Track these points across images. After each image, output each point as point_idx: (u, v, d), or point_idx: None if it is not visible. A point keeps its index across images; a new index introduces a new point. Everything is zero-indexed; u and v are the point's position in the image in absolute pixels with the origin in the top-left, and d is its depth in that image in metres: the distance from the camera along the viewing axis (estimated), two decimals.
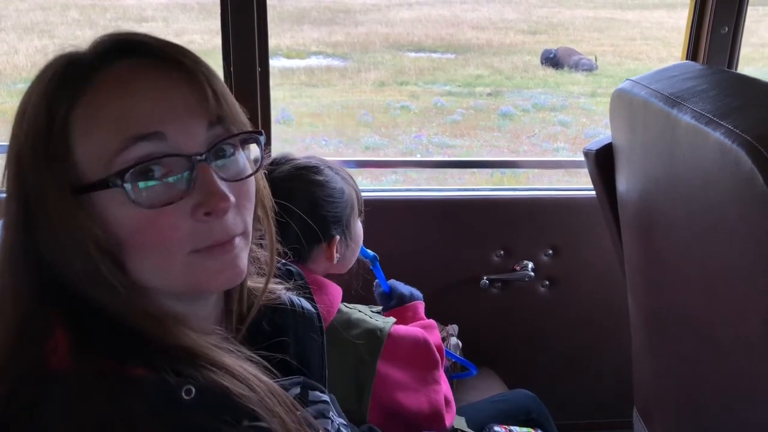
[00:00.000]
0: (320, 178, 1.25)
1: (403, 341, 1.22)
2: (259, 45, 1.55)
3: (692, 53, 1.62)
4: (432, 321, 1.40)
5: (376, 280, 1.41)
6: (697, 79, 1.07)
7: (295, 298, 0.85)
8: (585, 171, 1.37)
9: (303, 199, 1.20)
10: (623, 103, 1.20)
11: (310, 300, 0.88)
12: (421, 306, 1.41)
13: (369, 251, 1.38)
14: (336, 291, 1.22)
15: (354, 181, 1.33)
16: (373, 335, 1.19)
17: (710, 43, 1.58)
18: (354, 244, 1.31)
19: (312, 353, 0.84)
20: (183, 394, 0.57)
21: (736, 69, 1.62)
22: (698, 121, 0.92)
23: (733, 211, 0.88)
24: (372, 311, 1.29)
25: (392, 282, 1.43)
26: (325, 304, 1.16)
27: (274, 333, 0.78)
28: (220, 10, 1.54)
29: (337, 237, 1.25)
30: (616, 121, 1.25)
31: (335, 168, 1.31)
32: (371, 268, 1.39)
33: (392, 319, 1.27)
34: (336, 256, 1.26)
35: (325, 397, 0.78)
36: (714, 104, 0.94)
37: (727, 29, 1.56)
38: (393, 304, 1.40)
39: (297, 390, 0.72)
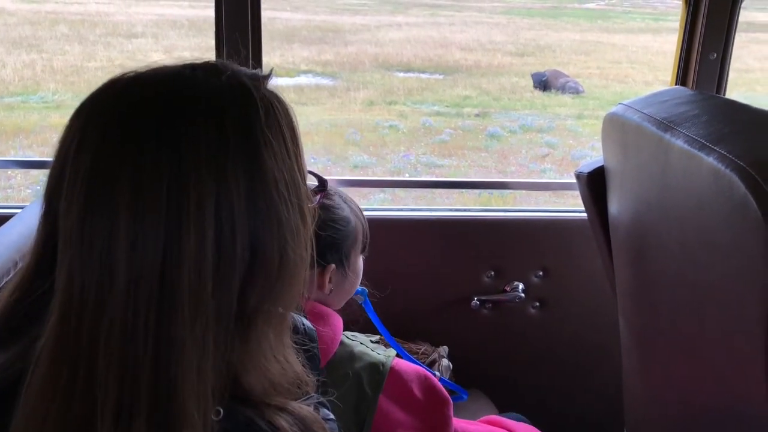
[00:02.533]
0: (327, 201, 1.23)
1: (406, 377, 1.20)
2: (253, 64, 1.55)
3: (681, 78, 1.65)
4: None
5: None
6: (689, 104, 1.09)
7: (296, 317, 0.86)
8: (572, 192, 1.38)
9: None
10: (616, 126, 1.22)
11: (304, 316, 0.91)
12: None
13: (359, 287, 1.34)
14: (338, 321, 1.20)
15: (363, 216, 1.30)
16: (376, 369, 1.17)
17: (699, 69, 1.60)
18: (352, 278, 1.27)
19: (313, 368, 0.85)
20: (212, 415, 0.58)
21: (724, 94, 1.64)
22: (691, 146, 0.94)
23: (725, 236, 0.89)
24: (372, 341, 1.28)
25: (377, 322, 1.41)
26: (326, 335, 1.14)
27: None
28: (214, 29, 1.55)
29: (333, 266, 1.22)
30: (609, 145, 1.26)
31: (346, 197, 1.29)
32: (361, 303, 1.36)
33: (393, 352, 1.26)
34: (329, 285, 1.22)
35: (332, 416, 0.79)
36: (706, 129, 0.96)
37: (715, 55, 1.59)
38: None
39: (311, 408, 0.73)
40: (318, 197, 0.76)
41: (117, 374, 0.56)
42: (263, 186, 0.60)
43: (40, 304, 0.60)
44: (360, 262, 1.30)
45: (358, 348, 1.21)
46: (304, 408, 0.66)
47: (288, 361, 0.67)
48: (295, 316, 0.87)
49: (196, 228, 0.57)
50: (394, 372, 1.18)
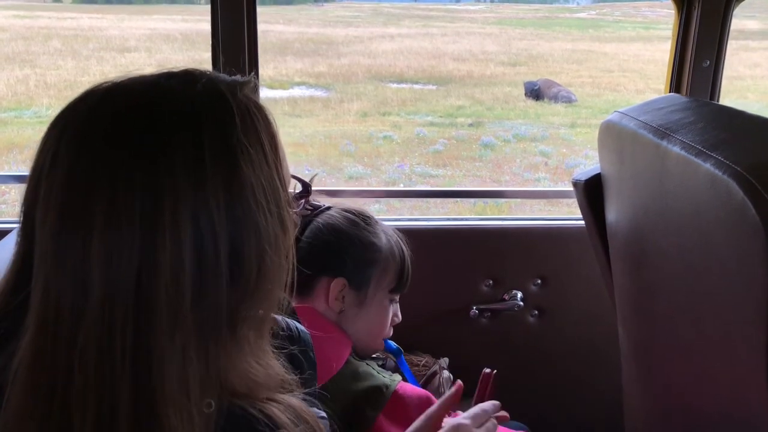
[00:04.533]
0: (366, 224, 1.22)
1: (409, 401, 1.19)
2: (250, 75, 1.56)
3: (675, 86, 1.66)
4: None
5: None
6: (685, 111, 1.09)
7: (289, 321, 0.86)
8: (567, 201, 1.38)
9: (334, 224, 1.19)
10: (612, 134, 1.22)
11: (298, 320, 0.91)
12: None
13: (392, 343, 1.32)
14: (344, 346, 1.18)
15: (404, 259, 1.27)
16: (379, 391, 1.16)
17: (693, 77, 1.61)
18: (371, 312, 1.23)
19: (309, 372, 0.85)
20: (203, 408, 0.58)
21: (718, 101, 1.65)
22: (688, 153, 0.94)
23: (724, 242, 0.89)
24: (378, 364, 1.27)
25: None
26: (330, 353, 1.13)
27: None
28: (211, 43, 1.55)
29: (344, 280, 1.19)
30: (605, 152, 1.27)
31: (389, 233, 1.27)
32: (396, 362, 1.34)
33: (399, 377, 1.25)
34: (336, 302, 1.19)
35: (324, 414, 0.79)
36: (702, 136, 0.96)
37: (708, 63, 1.60)
38: None
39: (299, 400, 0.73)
40: (302, 202, 0.75)
41: (95, 390, 0.55)
42: (241, 195, 0.60)
43: (19, 318, 0.59)
44: (384, 301, 1.26)
45: (363, 368, 1.20)
46: (292, 399, 0.66)
47: (269, 364, 0.67)
48: (289, 320, 0.87)
49: (172, 240, 0.56)
50: (397, 395, 1.18)
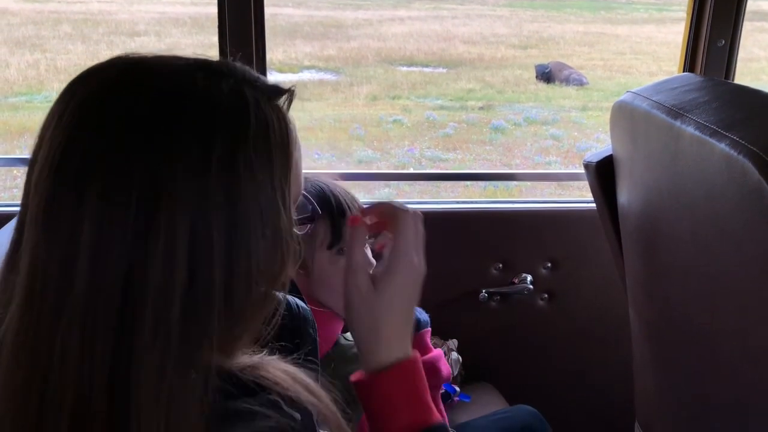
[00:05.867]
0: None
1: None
2: (257, 59, 1.54)
3: (689, 66, 1.63)
4: (439, 351, 1.34)
5: None
6: (699, 90, 1.07)
7: (290, 297, 0.85)
8: (577, 184, 1.36)
9: None
10: (624, 114, 1.20)
11: (300, 297, 0.89)
12: (427, 334, 1.34)
13: (423, 314, 1.32)
14: (331, 326, 1.17)
15: (333, 210, 1.20)
16: None
17: (707, 56, 1.59)
18: (319, 280, 1.20)
19: (309, 348, 0.85)
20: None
21: (733, 81, 1.62)
22: (702, 133, 0.92)
23: (738, 223, 0.87)
24: None
25: None
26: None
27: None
28: (218, 26, 1.53)
29: None
30: (617, 133, 1.25)
31: (309, 189, 1.20)
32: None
33: None
34: None
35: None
36: (717, 116, 0.94)
37: (723, 42, 1.57)
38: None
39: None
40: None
41: (72, 381, 0.54)
42: (238, 213, 0.57)
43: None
44: (335, 258, 1.21)
45: (353, 350, 1.18)
46: (281, 362, 0.65)
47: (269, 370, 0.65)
48: (289, 297, 0.86)
49: (166, 247, 0.53)
50: None
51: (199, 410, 0.56)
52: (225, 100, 0.58)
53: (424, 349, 1.32)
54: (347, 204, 1.24)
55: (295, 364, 0.67)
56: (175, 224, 0.54)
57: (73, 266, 0.54)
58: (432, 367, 1.29)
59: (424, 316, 1.35)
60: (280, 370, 0.64)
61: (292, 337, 0.81)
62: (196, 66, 0.61)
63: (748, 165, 0.80)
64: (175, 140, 0.55)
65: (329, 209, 1.21)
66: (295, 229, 0.65)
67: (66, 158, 0.55)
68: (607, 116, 1.28)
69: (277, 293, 0.69)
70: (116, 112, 0.56)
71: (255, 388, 0.60)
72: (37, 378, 0.55)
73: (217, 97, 0.58)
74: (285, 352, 0.69)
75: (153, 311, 0.54)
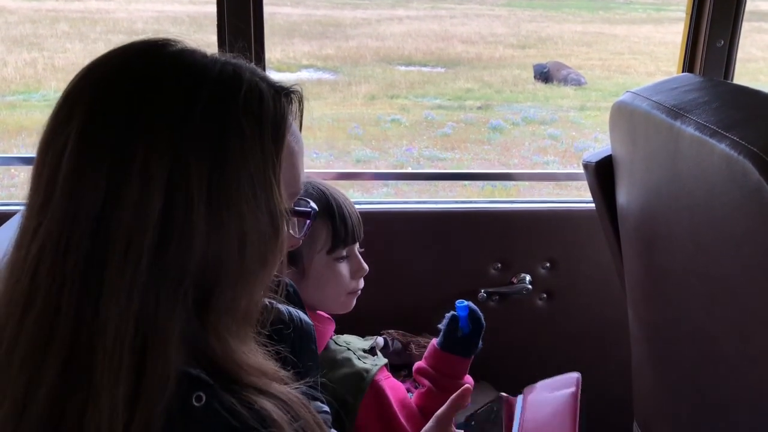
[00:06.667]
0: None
1: (387, 393, 1.18)
2: (256, 58, 1.54)
3: (688, 66, 1.63)
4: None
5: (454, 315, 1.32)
6: (699, 91, 1.07)
7: (293, 311, 0.85)
8: (576, 184, 1.36)
9: None
10: (624, 115, 1.20)
11: (303, 310, 0.91)
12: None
13: (464, 307, 1.31)
14: (321, 331, 1.16)
15: (334, 216, 1.20)
16: (359, 377, 1.15)
17: (706, 57, 1.59)
18: (314, 281, 1.21)
19: (309, 364, 0.84)
20: (194, 401, 0.57)
21: (732, 81, 1.62)
22: (702, 133, 0.92)
23: (738, 223, 0.87)
24: (364, 350, 1.24)
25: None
26: None
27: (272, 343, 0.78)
28: (217, 23, 1.53)
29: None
30: (617, 133, 1.25)
31: (316, 195, 1.20)
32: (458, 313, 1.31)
33: (382, 361, 1.23)
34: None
35: (326, 408, 0.79)
36: (717, 116, 0.94)
37: (723, 42, 1.57)
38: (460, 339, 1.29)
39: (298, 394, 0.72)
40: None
41: (43, 298, 0.57)
42: (226, 176, 0.58)
43: None
44: (332, 263, 1.22)
45: (342, 355, 1.18)
46: (291, 392, 0.65)
47: (257, 356, 0.65)
48: (292, 310, 0.86)
49: (140, 186, 0.56)
50: (375, 383, 1.16)
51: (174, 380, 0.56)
52: (219, 66, 0.63)
53: (466, 372, 1.32)
54: (347, 211, 1.24)
55: (296, 377, 0.68)
56: (149, 165, 0.56)
57: (50, 198, 0.58)
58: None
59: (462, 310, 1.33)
60: (286, 402, 0.63)
61: (294, 351, 0.81)
62: (204, 55, 0.65)
63: (748, 165, 0.80)
64: (159, 93, 0.59)
65: (331, 214, 1.21)
66: (292, 224, 0.66)
67: (63, 103, 0.61)
68: (606, 116, 1.28)
69: (275, 297, 0.70)
70: (114, 66, 0.62)
71: (253, 426, 0.60)
72: (19, 299, 0.58)
73: (213, 63, 0.63)
74: (287, 363, 0.69)
75: (124, 251, 0.56)
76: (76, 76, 0.62)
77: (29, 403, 0.56)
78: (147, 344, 0.56)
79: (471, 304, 1.29)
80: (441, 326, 1.31)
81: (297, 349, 0.84)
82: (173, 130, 0.57)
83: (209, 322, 0.60)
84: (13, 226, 1.28)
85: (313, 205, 0.73)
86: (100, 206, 0.56)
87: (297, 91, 0.69)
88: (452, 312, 1.31)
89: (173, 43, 0.65)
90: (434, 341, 1.32)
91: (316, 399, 0.77)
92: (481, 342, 1.33)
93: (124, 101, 0.59)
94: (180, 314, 0.58)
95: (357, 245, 1.29)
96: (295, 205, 0.71)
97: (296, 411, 0.63)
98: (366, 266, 1.29)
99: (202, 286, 0.59)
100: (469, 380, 1.31)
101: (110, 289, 0.56)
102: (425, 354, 1.33)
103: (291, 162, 0.66)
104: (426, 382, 1.28)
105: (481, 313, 1.30)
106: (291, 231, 0.70)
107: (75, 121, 0.59)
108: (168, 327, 0.57)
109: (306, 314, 0.90)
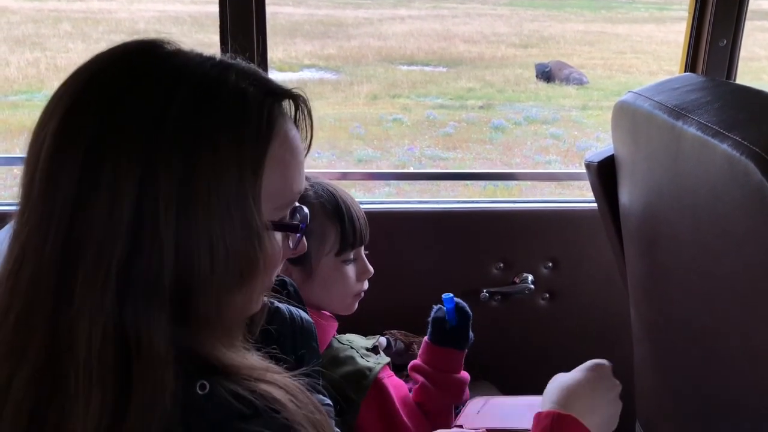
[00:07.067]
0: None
1: (392, 388, 1.18)
2: (258, 58, 1.54)
3: (691, 66, 1.63)
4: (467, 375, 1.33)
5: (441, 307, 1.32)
6: (701, 90, 1.07)
7: (294, 309, 0.85)
8: (578, 183, 1.36)
9: None
10: (626, 114, 1.20)
11: (304, 309, 0.90)
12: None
13: (450, 301, 1.30)
14: (323, 330, 1.17)
15: (343, 219, 1.20)
16: (361, 374, 1.15)
17: (709, 56, 1.58)
18: (320, 283, 1.21)
19: (310, 361, 0.84)
20: (197, 389, 0.57)
21: (734, 81, 1.62)
22: (704, 133, 0.92)
23: (740, 223, 0.87)
24: (367, 348, 1.24)
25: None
26: None
27: (270, 341, 0.78)
28: (219, 23, 1.53)
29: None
30: (619, 133, 1.25)
31: (326, 197, 1.20)
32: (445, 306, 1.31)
33: (384, 360, 1.24)
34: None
35: (328, 401, 0.79)
36: (719, 116, 0.94)
37: (725, 42, 1.57)
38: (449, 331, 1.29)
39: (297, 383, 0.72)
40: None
41: (21, 297, 0.57)
42: (195, 189, 0.56)
43: None
44: (339, 265, 1.22)
45: (345, 353, 1.18)
46: (288, 379, 0.64)
47: (248, 357, 0.65)
48: (293, 309, 0.86)
49: (109, 196, 0.55)
50: (378, 381, 1.17)
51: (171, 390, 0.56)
52: (205, 68, 0.60)
53: (461, 367, 1.32)
54: (356, 213, 1.24)
55: (298, 375, 0.67)
56: (118, 171, 0.55)
57: (29, 200, 0.58)
58: (461, 386, 1.30)
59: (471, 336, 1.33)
60: (286, 389, 0.63)
61: (295, 349, 0.81)
62: (212, 60, 0.63)
63: (750, 166, 0.80)
64: (131, 96, 0.57)
65: (340, 217, 1.21)
66: (279, 234, 0.64)
67: (49, 101, 0.61)
68: (607, 115, 1.28)
69: (266, 297, 0.69)
70: (98, 65, 0.61)
71: (262, 407, 0.59)
72: (1, 303, 0.58)
73: (200, 65, 0.60)
74: (287, 363, 0.69)
75: (94, 259, 0.55)
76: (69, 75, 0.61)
77: (1, 408, 0.56)
78: (130, 352, 0.55)
79: (455, 297, 1.29)
80: (428, 320, 1.32)
81: (298, 346, 0.84)
82: (144, 134, 0.55)
83: (196, 329, 0.59)
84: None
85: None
86: (70, 211, 0.55)
87: (298, 96, 0.65)
88: (438, 305, 1.31)
89: (168, 44, 0.62)
90: (426, 337, 1.32)
91: (319, 392, 0.77)
92: (471, 333, 1.32)
93: (98, 101, 0.57)
94: (160, 322, 0.56)
95: (363, 248, 1.29)
96: (291, 214, 0.67)
97: (297, 396, 0.62)
98: (371, 269, 1.29)
99: (179, 295, 0.57)
100: (464, 375, 1.31)
101: (82, 297, 0.55)
102: (419, 351, 1.33)
103: (281, 173, 0.62)
104: (420, 377, 1.28)
105: (465, 304, 1.30)
106: (289, 242, 0.67)
107: (53, 120, 0.58)
108: (149, 334, 0.55)
109: (306, 312, 0.90)
